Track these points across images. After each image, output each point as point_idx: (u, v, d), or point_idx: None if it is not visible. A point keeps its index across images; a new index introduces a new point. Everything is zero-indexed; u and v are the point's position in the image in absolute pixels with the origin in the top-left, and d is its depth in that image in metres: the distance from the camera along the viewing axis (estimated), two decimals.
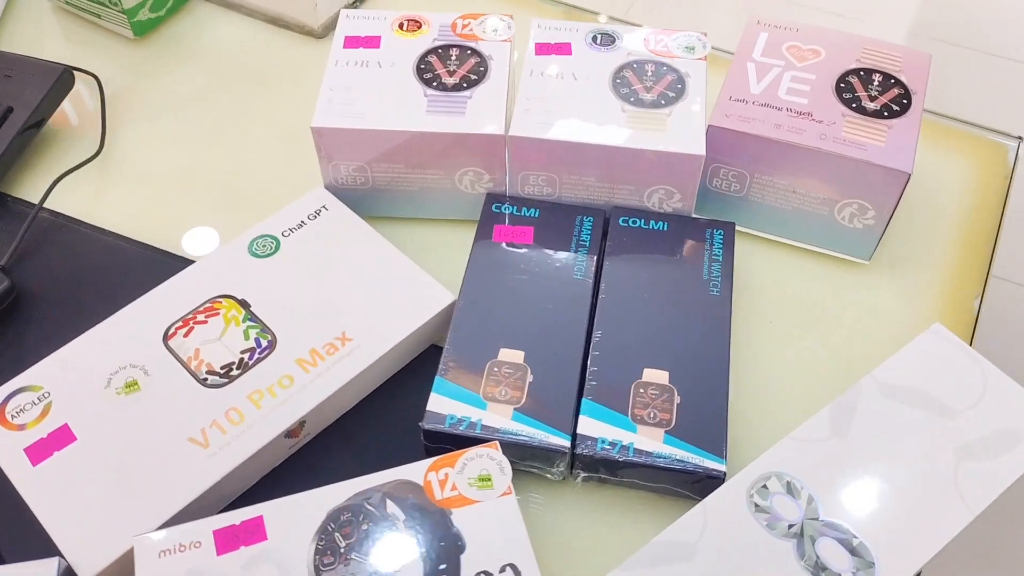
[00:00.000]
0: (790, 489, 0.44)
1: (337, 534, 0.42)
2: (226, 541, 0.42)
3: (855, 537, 0.43)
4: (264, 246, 0.54)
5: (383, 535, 0.42)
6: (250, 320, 0.50)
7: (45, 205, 0.59)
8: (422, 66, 0.57)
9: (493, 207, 0.56)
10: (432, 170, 0.56)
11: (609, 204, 0.57)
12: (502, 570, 0.41)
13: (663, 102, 0.55)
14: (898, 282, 0.57)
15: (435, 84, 0.56)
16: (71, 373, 0.48)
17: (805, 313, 0.56)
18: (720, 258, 0.54)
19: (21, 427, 0.46)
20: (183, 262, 0.57)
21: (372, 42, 0.59)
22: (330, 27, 0.73)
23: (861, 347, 0.54)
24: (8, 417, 0.47)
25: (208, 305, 0.51)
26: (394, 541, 0.42)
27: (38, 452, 0.46)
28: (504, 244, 0.54)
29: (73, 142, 0.65)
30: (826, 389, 0.52)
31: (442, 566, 0.41)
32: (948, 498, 0.44)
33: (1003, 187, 0.64)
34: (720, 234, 0.55)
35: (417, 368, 0.53)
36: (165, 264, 0.57)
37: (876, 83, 0.56)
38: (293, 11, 0.72)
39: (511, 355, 0.49)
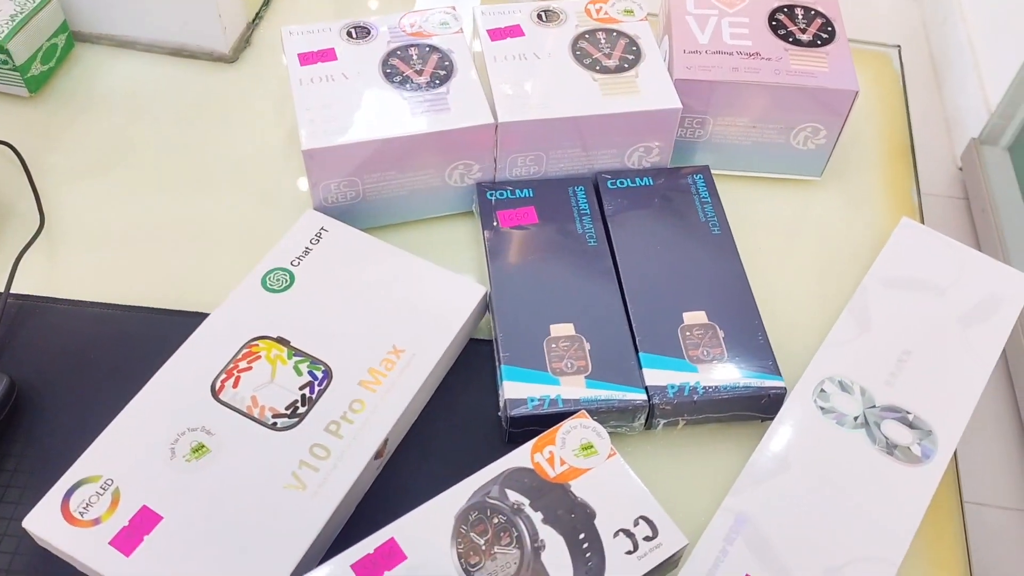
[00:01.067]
0: (843, 387, 0.49)
1: (472, 534, 0.43)
2: (368, 571, 0.42)
3: (909, 413, 0.49)
4: (278, 280, 0.52)
5: (516, 522, 0.43)
6: (296, 355, 0.49)
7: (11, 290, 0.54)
8: (387, 70, 0.57)
9: (487, 195, 0.58)
10: (423, 170, 0.56)
11: (591, 170, 0.59)
12: (636, 523, 0.44)
13: (626, 65, 0.58)
14: (849, 190, 0.64)
15: (408, 85, 0.56)
16: (126, 453, 0.45)
17: (783, 234, 0.61)
18: (709, 199, 0.58)
19: (95, 521, 0.43)
20: (188, 316, 0.54)
21: (327, 55, 0.58)
22: (240, 49, 0.70)
23: (840, 251, 0.60)
24: (76, 515, 0.44)
25: (245, 351, 0.49)
26: (529, 525, 0.43)
27: (126, 542, 0.43)
28: (512, 228, 0.56)
29: (7, 219, 0.60)
30: (826, 294, 0.58)
31: (581, 535, 0.43)
32: (966, 360, 0.51)
33: (899, 87, 0.72)
34: (700, 178, 0.59)
35: (462, 365, 0.53)
36: (169, 322, 0.54)
37: (801, 17, 0.61)
38: (197, 39, 0.69)
39: (562, 329, 0.51)
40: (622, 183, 0.59)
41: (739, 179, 0.64)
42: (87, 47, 0.70)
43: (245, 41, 0.71)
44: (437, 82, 0.57)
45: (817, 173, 0.63)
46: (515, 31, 0.60)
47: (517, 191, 0.58)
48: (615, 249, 0.55)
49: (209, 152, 0.64)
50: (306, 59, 0.58)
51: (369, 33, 0.60)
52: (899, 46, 0.74)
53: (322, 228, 0.55)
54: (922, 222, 0.62)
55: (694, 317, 0.52)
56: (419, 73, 0.57)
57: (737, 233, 0.61)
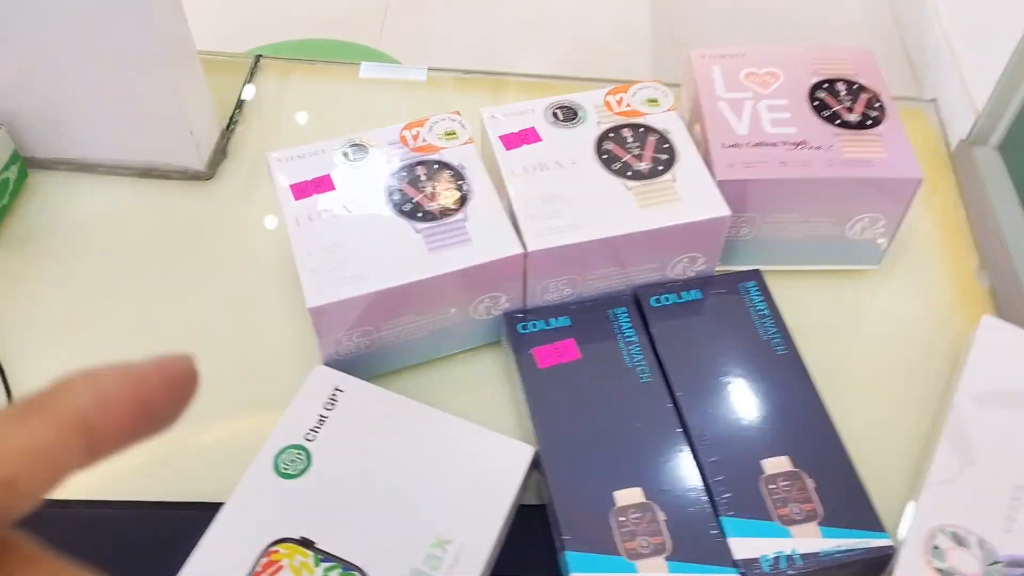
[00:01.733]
0: (958, 540, 0.43)
1: None
2: None
3: None
4: (293, 462, 0.45)
5: None
6: (324, 560, 0.42)
7: None
8: (395, 198, 0.50)
9: (519, 328, 0.51)
10: (445, 309, 0.50)
11: (629, 285, 0.53)
12: None
13: (660, 168, 0.51)
14: (909, 275, 0.58)
15: (419, 215, 0.49)
16: None
17: (845, 337, 0.55)
18: (767, 311, 0.52)
19: None
20: (190, 510, 0.47)
21: (323, 184, 0.51)
22: (216, 163, 0.63)
23: (915, 353, 0.54)
24: None
25: (265, 561, 0.42)
26: None
27: None
28: (553, 367, 0.49)
29: None
30: (909, 411, 0.52)
31: None
32: None
33: (942, 148, 0.66)
34: (753, 285, 0.53)
35: (508, 541, 0.46)
36: (168, 521, 0.47)
37: (844, 93, 0.55)
38: (167, 157, 0.61)
39: (629, 496, 0.44)
40: (667, 299, 0.52)
41: (788, 274, 0.57)
42: (43, 175, 0.62)
43: (221, 153, 0.63)
44: (453, 207, 0.50)
45: (876, 262, 0.57)
46: (530, 135, 0.53)
47: (552, 320, 0.51)
48: (672, 384, 0.48)
49: (196, 289, 0.57)
50: (300, 191, 0.51)
51: (368, 152, 0.53)
52: (935, 100, 0.69)
53: (336, 388, 0.48)
54: (998, 311, 0.56)
55: (776, 464, 0.45)
56: (431, 198, 0.50)
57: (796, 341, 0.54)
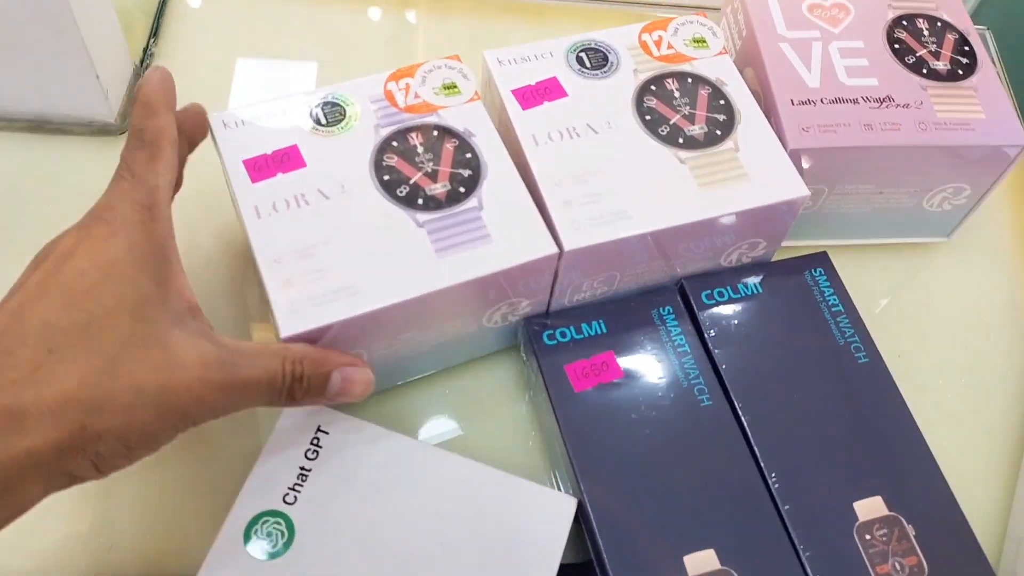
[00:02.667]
0: None
1: None
2: None
3: None
4: (271, 536, 0.35)
5: None
6: None
7: None
8: (385, 177, 0.38)
9: (544, 338, 0.40)
10: (453, 321, 0.39)
11: (671, 276, 0.43)
12: None
13: (718, 132, 0.41)
14: (982, 249, 0.50)
15: (420, 202, 0.38)
16: None
17: (917, 318, 0.47)
18: (839, 305, 0.42)
19: None
20: None
21: (289, 157, 0.38)
22: (129, 113, 0.49)
23: (994, 343, 0.46)
24: None
25: None
26: None
27: None
28: (591, 391, 0.39)
29: None
30: (999, 406, 0.44)
31: None
32: None
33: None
34: (821, 273, 0.43)
35: None
36: None
37: (927, 33, 0.45)
38: (65, 106, 0.47)
39: (702, 561, 0.35)
40: (721, 294, 0.42)
41: (852, 249, 0.48)
42: None
43: (135, 96, 0.49)
44: (463, 190, 0.38)
45: (944, 234, 0.48)
46: (552, 88, 0.42)
47: (583, 326, 0.41)
48: (737, 408, 0.39)
49: None
50: (258, 168, 0.38)
51: (344, 115, 0.40)
52: (986, 28, 0.59)
53: (318, 429, 0.37)
54: None
55: (870, 507, 0.37)
56: (431, 177, 0.38)
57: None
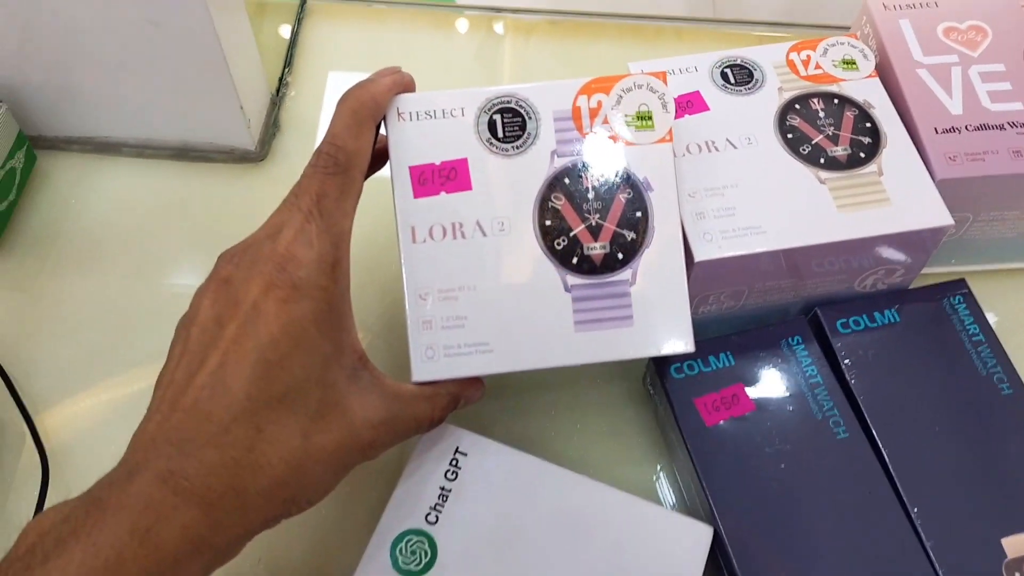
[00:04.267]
0: None
1: None
2: None
3: None
4: (414, 554, 0.36)
5: None
6: None
7: None
8: (546, 222, 0.36)
9: (672, 371, 0.40)
10: None
11: (801, 298, 0.42)
12: None
13: (862, 155, 0.40)
14: None
15: (576, 261, 0.36)
16: None
17: None
18: (980, 335, 0.41)
19: None
20: None
21: (456, 174, 0.36)
22: (268, 140, 0.51)
23: None
24: None
25: None
26: None
27: None
28: (722, 424, 0.39)
29: None
30: None
31: None
32: None
33: None
34: (960, 301, 0.42)
35: None
36: None
37: None
38: (210, 135, 0.49)
39: None
40: (857, 323, 0.42)
41: (983, 274, 0.47)
42: (53, 158, 0.51)
43: (274, 126, 0.52)
44: (619, 257, 0.36)
45: None
46: (695, 102, 0.42)
47: (711, 358, 0.41)
48: (877, 441, 0.38)
49: None
50: (424, 183, 0.36)
51: (524, 128, 0.37)
52: None
53: (457, 450, 0.38)
54: None
55: (1019, 544, 0.36)
56: (594, 235, 0.36)
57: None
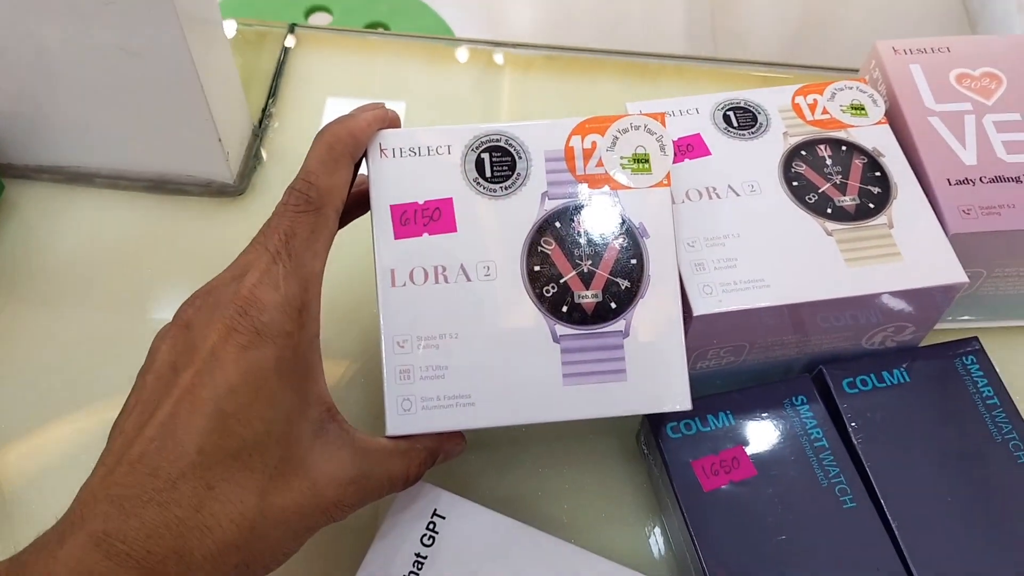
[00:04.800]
0: None
1: None
2: None
3: None
4: None
5: None
6: None
7: None
8: (535, 268, 0.34)
9: (668, 430, 0.38)
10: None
11: (808, 354, 0.40)
12: None
13: (871, 205, 0.38)
14: None
15: (566, 310, 0.34)
16: None
17: None
18: (994, 397, 0.39)
19: None
20: None
21: (441, 215, 0.34)
22: (248, 174, 0.49)
23: None
24: None
25: None
26: None
27: None
28: (722, 490, 0.36)
29: None
30: None
31: None
32: None
33: None
34: (972, 361, 0.40)
35: None
36: None
37: None
38: (186, 166, 0.47)
39: None
40: (864, 382, 0.39)
41: (997, 331, 0.44)
42: (22, 187, 0.48)
43: (253, 159, 0.49)
44: (612, 307, 0.34)
45: None
46: (696, 145, 0.40)
47: (709, 417, 0.38)
48: (886, 512, 0.36)
49: None
50: (406, 222, 0.34)
51: (513, 169, 0.35)
52: None
53: (435, 512, 0.35)
54: None
55: None
56: (584, 281, 0.34)
57: None
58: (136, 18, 0.39)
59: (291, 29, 0.56)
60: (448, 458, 0.36)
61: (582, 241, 0.35)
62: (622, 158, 0.35)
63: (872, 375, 0.39)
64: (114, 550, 0.26)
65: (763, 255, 0.37)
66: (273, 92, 0.53)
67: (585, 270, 0.34)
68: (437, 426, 0.33)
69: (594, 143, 0.35)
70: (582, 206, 0.35)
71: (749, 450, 0.37)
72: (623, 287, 0.34)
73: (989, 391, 0.39)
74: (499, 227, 0.35)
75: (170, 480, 0.27)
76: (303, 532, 0.30)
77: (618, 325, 0.34)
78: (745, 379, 0.42)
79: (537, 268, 0.34)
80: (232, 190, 0.48)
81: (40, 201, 0.48)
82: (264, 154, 0.50)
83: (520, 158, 0.35)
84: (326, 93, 0.54)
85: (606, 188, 0.35)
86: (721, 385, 0.42)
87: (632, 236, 0.35)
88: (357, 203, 0.36)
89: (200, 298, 0.31)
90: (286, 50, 0.55)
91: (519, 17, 1.60)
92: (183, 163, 0.47)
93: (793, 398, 0.39)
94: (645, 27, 1.56)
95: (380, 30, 1.01)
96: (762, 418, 0.38)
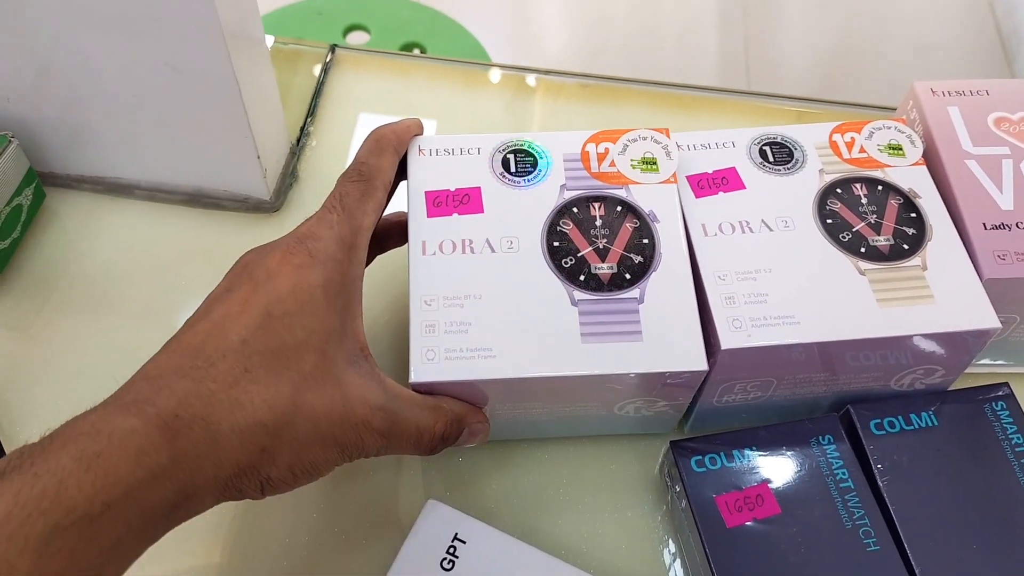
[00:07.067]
0: None
1: None
2: None
3: None
4: None
5: None
6: None
7: None
8: (554, 244, 0.37)
9: (692, 464, 0.38)
10: (584, 403, 0.38)
11: (833, 392, 0.40)
12: None
13: (905, 247, 0.38)
14: None
15: (581, 278, 0.36)
16: None
17: None
18: (1023, 443, 0.39)
19: None
20: None
21: (470, 199, 0.38)
22: (284, 191, 0.49)
23: None
24: None
25: None
26: None
27: None
28: (745, 527, 0.36)
29: None
30: None
31: None
32: None
33: None
34: (1002, 407, 0.39)
35: None
36: None
37: None
38: (223, 181, 0.48)
39: None
40: (892, 424, 0.39)
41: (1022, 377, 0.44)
42: (63, 196, 0.49)
43: (291, 175, 0.50)
44: (628, 277, 0.37)
45: None
46: (731, 179, 0.40)
47: (735, 453, 0.38)
48: (910, 557, 0.36)
49: None
50: (438, 204, 0.38)
51: (535, 166, 0.39)
52: None
53: (456, 537, 0.36)
54: None
55: None
56: (600, 255, 0.37)
57: None
58: (182, 35, 0.40)
59: (332, 49, 0.56)
60: (473, 438, 0.36)
61: (598, 223, 0.38)
62: (632, 160, 0.39)
63: (900, 417, 0.39)
64: (142, 411, 0.27)
65: (794, 292, 0.37)
66: (312, 111, 0.53)
67: (601, 247, 0.37)
68: (459, 375, 0.34)
69: (607, 149, 0.40)
70: (597, 195, 0.39)
71: (774, 487, 0.37)
72: (636, 261, 0.37)
73: (1019, 437, 0.39)
74: (522, 210, 0.38)
75: (209, 360, 0.29)
76: (331, 443, 0.31)
77: (633, 293, 0.36)
78: (772, 415, 0.41)
79: (556, 243, 0.37)
80: (268, 207, 0.48)
81: (80, 210, 0.49)
82: (300, 172, 0.51)
83: (541, 158, 0.40)
84: (362, 113, 0.54)
85: (617, 183, 0.39)
86: (747, 419, 0.41)
87: (643, 220, 0.38)
88: (396, 231, 0.40)
89: (259, 246, 0.33)
90: (326, 70, 0.55)
91: (554, 41, 1.62)
92: (221, 178, 0.48)
93: (820, 437, 0.39)
94: (679, 56, 1.57)
95: (416, 52, 1.02)
96: (788, 456, 0.38)
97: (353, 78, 0.56)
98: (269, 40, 0.56)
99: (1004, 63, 1.63)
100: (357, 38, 1.06)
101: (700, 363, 0.35)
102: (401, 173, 0.39)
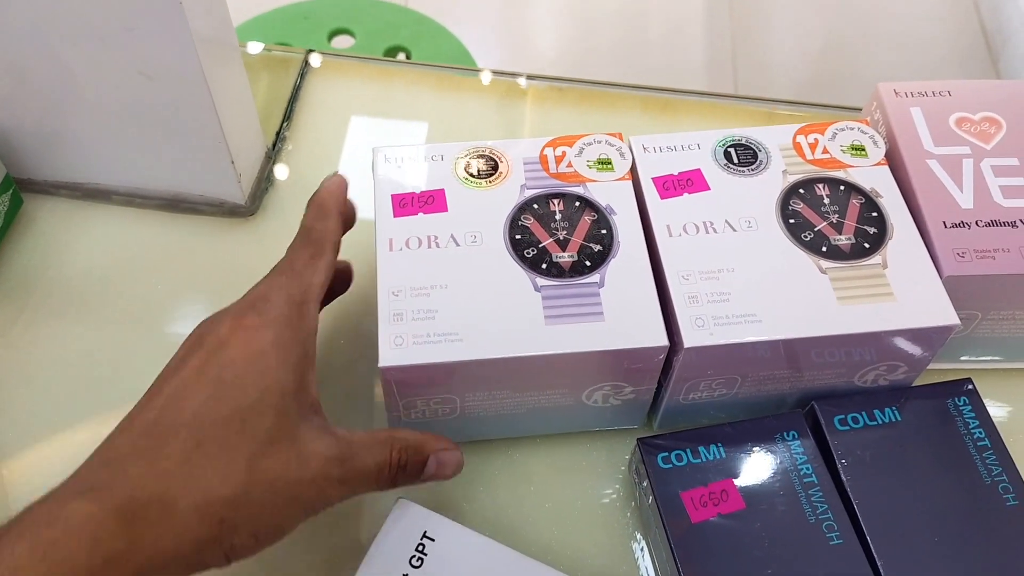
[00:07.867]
0: None
1: None
2: None
3: None
4: None
5: None
6: None
7: None
8: (517, 236, 0.39)
9: (659, 461, 0.38)
10: (552, 391, 0.38)
11: (801, 390, 0.41)
12: None
13: (866, 245, 0.39)
14: None
15: (545, 267, 0.38)
16: None
17: None
18: (985, 439, 0.39)
19: None
20: None
21: (434, 200, 0.40)
22: (259, 196, 0.50)
23: None
24: None
25: None
26: None
27: None
28: (710, 522, 0.37)
29: None
30: None
31: None
32: None
33: None
34: (964, 402, 0.40)
35: None
36: None
37: None
38: (200, 186, 0.48)
39: None
40: (855, 420, 0.40)
41: (992, 373, 0.45)
42: (40, 202, 0.50)
43: (266, 180, 0.51)
44: (588, 264, 0.38)
45: None
46: (696, 180, 0.41)
47: (700, 449, 0.39)
48: (872, 550, 0.36)
49: None
50: (404, 204, 0.40)
51: (497, 168, 0.41)
52: None
53: (424, 535, 0.36)
54: None
55: None
56: (561, 245, 0.39)
57: None
58: (154, 43, 0.40)
59: (307, 55, 0.57)
60: (444, 469, 0.36)
61: (558, 217, 0.40)
62: (588, 161, 0.41)
63: (864, 413, 0.40)
64: (96, 497, 0.27)
65: (756, 290, 0.38)
66: (288, 116, 0.54)
67: (561, 238, 0.39)
68: (426, 358, 0.35)
69: (564, 152, 0.42)
70: (556, 192, 0.40)
71: (738, 483, 0.38)
72: (596, 250, 0.39)
73: (980, 432, 0.39)
74: (485, 209, 0.40)
75: (163, 438, 0.29)
76: (291, 503, 0.31)
77: (593, 278, 0.38)
78: (737, 411, 0.42)
79: (518, 237, 0.39)
80: (244, 211, 0.49)
81: (57, 216, 0.49)
82: (276, 177, 0.51)
83: (502, 162, 0.41)
84: (343, 117, 0.55)
85: (574, 181, 0.41)
86: (714, 416, 0.42)
87: (601, 212, 0.40)
88: (338, 281, 0.41)
89: (212, 315, 0.34)
90: (302, 75, 0.56)
91: (539, 43, 1.62)
92: (197, 183, 0.48)
93: (784, 433, 0.39)
94: (666, 58, 1.57)
95: (401, 56, 1.03)
96: (753, 452, 0.39)
97: (333, 83, 0.56)
98: (258, 47, 0.57)
99: (988, 61, 1.64)
100: (342, 42, 1.06)
101: (660, 339, 0.36)
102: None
